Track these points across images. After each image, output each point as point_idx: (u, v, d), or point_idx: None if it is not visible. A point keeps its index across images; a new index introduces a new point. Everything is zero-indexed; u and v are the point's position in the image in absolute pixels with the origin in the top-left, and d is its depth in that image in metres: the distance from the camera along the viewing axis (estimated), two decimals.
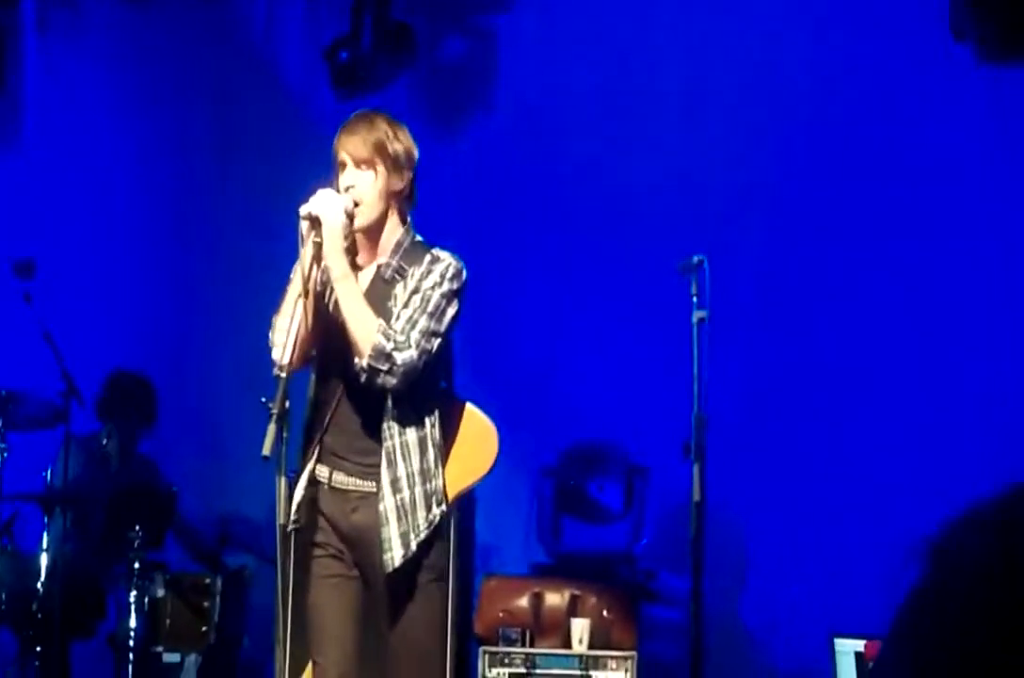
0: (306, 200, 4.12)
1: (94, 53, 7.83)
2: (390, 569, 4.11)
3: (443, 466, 4.20)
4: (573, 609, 6.09)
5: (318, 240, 4.08)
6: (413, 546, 4.12)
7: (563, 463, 6.78)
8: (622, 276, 6.86)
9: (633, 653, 5.94)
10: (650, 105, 6.98)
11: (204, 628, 6.34)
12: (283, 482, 4.07)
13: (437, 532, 4.17)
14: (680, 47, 6.96)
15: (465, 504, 4.79)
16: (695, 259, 4.95)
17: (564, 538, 6.80)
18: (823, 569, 6.52)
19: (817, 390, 6.63)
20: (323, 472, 4.18)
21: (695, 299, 4.95)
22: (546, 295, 7.04)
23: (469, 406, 4.34)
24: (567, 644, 6.00)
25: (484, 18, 7.38)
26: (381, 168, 4.17)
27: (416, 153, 4.25)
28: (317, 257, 4.09)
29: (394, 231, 4.24)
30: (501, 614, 6.11)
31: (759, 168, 6.82)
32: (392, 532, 4.11)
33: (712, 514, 5.06)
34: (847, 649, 5.68)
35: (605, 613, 6.07)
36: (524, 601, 6.14)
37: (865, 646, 5.55)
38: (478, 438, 4.30)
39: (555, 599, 6.13)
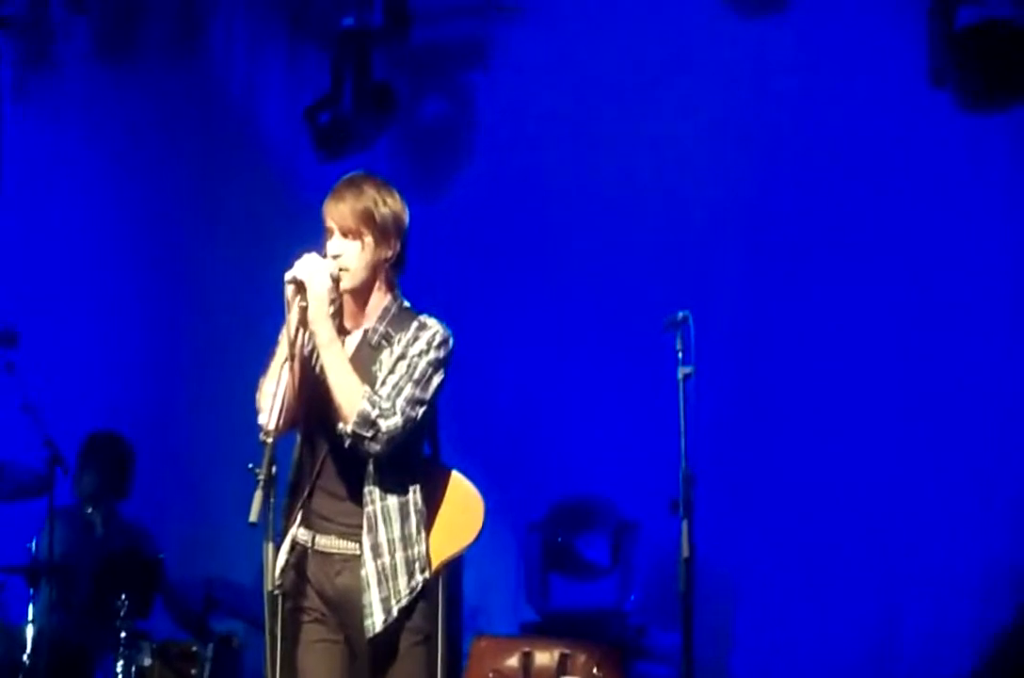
0: (291, 265, 4.11)
1: (72, 117, 7.86)
2: (371, 634, 4.10)
3: (427, 533, 4.18)
4: (563, 668, 6.07)
5: (303, 304, 4.07)
6: (395, 612, 4.10)
7: (550, 519, 6.77)
8: (607, 333, 6.88)
9: None
10: (631, 161, 7.00)
11: None
12: (270, 548, 4.06)
13: (421, 596, 4.15)
14: (659, 101, 6.99)
15: (453, 563, 4.76)
16: (680, 315, 4.96)
17: (553, 595, 6.78)
18: (814, 624, 6.50)
19: (805, 445, 6.62)
20: (306, 536, 4.16)
21: (680, 355, 4.95)
22: (532, 352, 7.04)
23: (455, 474, 4.32)
24: None
25: (463, 76, 7.42)
26: (368, 238, 4.15)
27: (406, 219, 4.22)
28: (303, 321, 4.08)
29: (381, 297, 4.23)
30: (491, 674, 6.08)
31: (742, 221, 6.84)
32: (373, 597, 4.09)
33: (701, 570, 5.04)
34: None
35: (595, 671, 6.04)
36: (514, 661, 6.11)
37: None
38: (463, 506, 4.28)
39: (545, 658, 6.10)
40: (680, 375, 4.91)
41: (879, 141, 6.73)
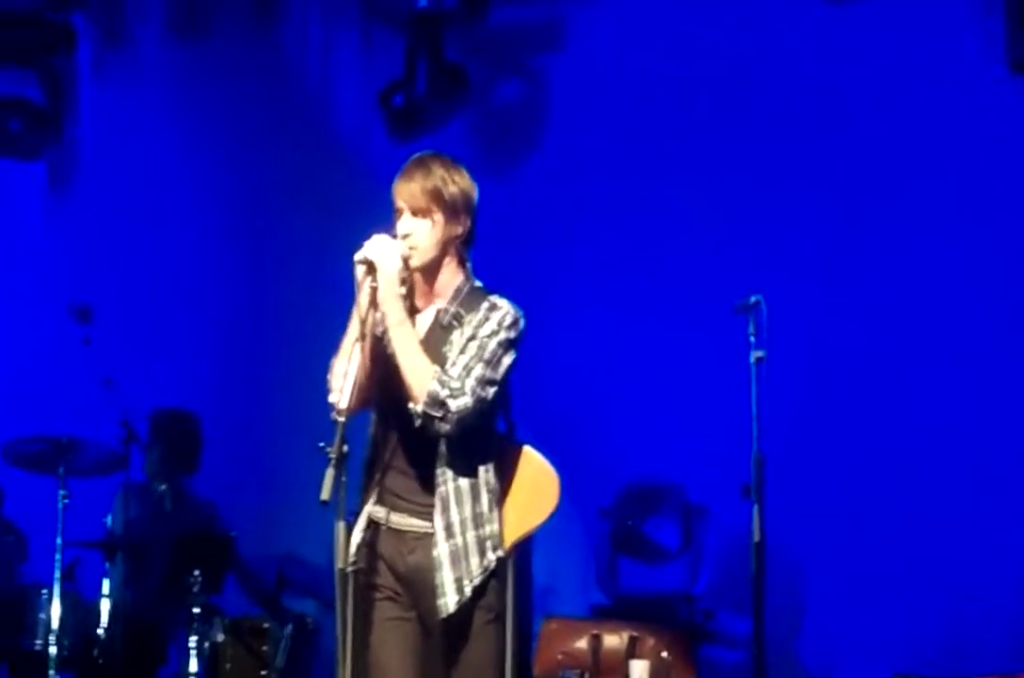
0: (361, 245, 4.13)
1: (149, 96, 7.92)
2: (444, 614, 4.12)
3: (499, 511, 4.19)
4: (632, 651, 6.08)
5: (374, 285, 4.09)
6: (467, 591, 4.11)
7: (620, 503, 6.77)
8: (679, 316, 6.86)
9: None
10: (706, 144, 6.98)
11: (264, 672, 6.35)
12: (342, 526, 4.08)
13: (493, 575, 4.17)
14: (735, 85, 6.95)
15: (523, 546, 4.77)
16: (752, 299, 4.96)
17: (622, 579, 6.78)
18: (884, 609, 6.47)
19: (876, 429, 6.59)
20: (381, 513, 4.18)
21: (752, 339, 4.95)
22: (603, 335, 7.03)
23: (529, 451, 4.32)
24: None
25: (536, 58, 7.42)
26: (438, 216, 4.16)
27: (475, 195, 4.23)
28: (373, 302, 4.10)
29: (453, 276, 4.24)
30: (560, 656, 6.10)
31: (817, 205, 6.80)
32: (446, 577, 4.11)
33: (771, 553, 5.03)
34: None
35: (664, 654, 6.05)
36: (583, 643, 6.13)
37: None
38: (538, 483, 4.28)
39: (614, 641, 6.12)
40: (752, 359, 4.92)
41: (957, 127, 6.67)
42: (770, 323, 4.94)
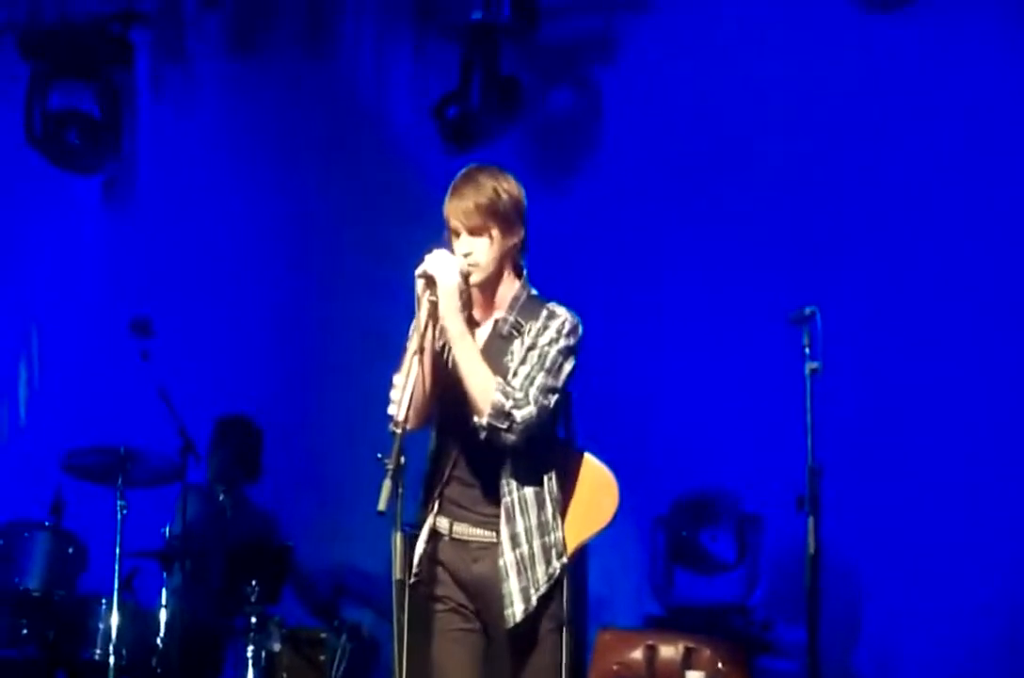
0: (420, 258, 4.15)
1: (205, 111, 7.99)
2: (511, 624, 4.13)
3: (562, 518, 4.21)
4: (687, 662, 6.07)
5: (433, 299, 4.11)
6: (534, 600, 4.13)
7: (675, 513, 6.77)
8: (734, 327, 6.85)
9: None
10: (759, 155, 6.96)
11: None
12: (399, 537, 4.10)
13: (557, 582, 4.18)
14: (789, 97, 6.94)
15: (578, 556, 4.77)
16: (807, 310, 4.96)
17: (677, 589, 6.77)
18: (942, 620, 6.44)
19: (931, 440, 6.56)
20: (443, 523, 4.20)
21: (807, 350, 4.95)
22: (659, 345, 7.04)
23: (588, 457, 4.35)
24: None
25: (590, 70, 7.43)
26: (495, 232, 4.17)
27: (524, 202, 4.23)
28: (433, 316, 4.12)
29: (510, 285, 4.26)
30: (615, 667, 6.10)
31: (872, 216, 6.78)
32: (513, 587, 4.12)
33: (827, 565, 5.02)
34: None
35: (720, 665, 6.04)
36: (638, 654, 6.12)
37: None
38: (598, 489, 4.30)
39: (669, 651, 6.11)
40: (807, 370, 4.91)
41: (1009, 138, 6.64)
42: (825, 334, 4.94)
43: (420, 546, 4.18)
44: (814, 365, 4.91)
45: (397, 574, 4.09)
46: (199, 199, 7.87)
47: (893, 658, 6.58)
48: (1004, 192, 6.66)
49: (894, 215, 6.77)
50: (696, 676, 5.99)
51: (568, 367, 4.20)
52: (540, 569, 4.14)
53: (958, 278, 6.67)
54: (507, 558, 4.13)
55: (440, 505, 4.20)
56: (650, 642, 6.14)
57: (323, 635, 6.48)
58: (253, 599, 6.29)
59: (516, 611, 4.12)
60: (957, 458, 6.53)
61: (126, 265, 7.92)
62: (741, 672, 6.05)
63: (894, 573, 6.55)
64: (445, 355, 4.20)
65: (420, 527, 4.20)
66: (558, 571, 4.17)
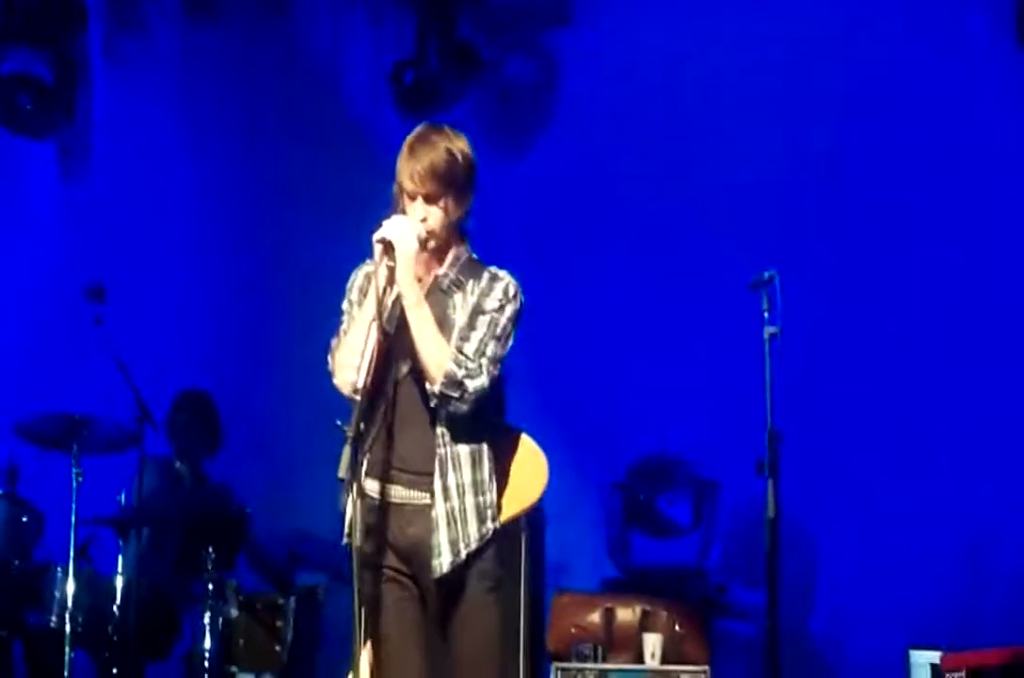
0: (374, 223, 4.13)
1: (161, 78, 7.92)
2: (438, 574, 4.11)
3: (496, 484, 4.21)
4: (645, 624, 6.11)
5: (391, 265, 4.10)
6: (463, 555, 4.11)
7: (632, 478, 6.79)
8: (692, 292, 6.87)
9: (706, 667, 5.96)
10: (714, 120, 6.98)
11: (278, 648, 6.38)
12: (359, 503, 4.09)
13: (491, 542, 4.17)
14: (744, 60, 6.95)
15: (534, 520, 4.80)
16: (766, 275, 4.96)
17: (634, 553, 6.80)
18: (897, 581, 6.50)
19: (890, 404, 6.61)
20: (374, 486, 4.15)
21: (766, 314, 4.95)
22: (616, 311, 7.04)
23: (524, 436, 4.35)
24: (639, 659, 6.02)
25: (546, 35, 7.40)
26: (450, 200, 4.16)
27: (475, 165, 4.23)
28: (390, 280, 4.11)
29: (453, 245, 4.26)
30: (573, 630, 6.13)
31: (831, 180, 6.80)
32: (442, 538, 4.11)
33: (784, 529, 5.05)
34: (923, 661, 5.68)
35: (677, 628, 6.08)
36: (596, 617, 6.15)
37: (940, 658, 5.53)
38: (529, 465, 4.31)
39: (627, 614, 6.14)
40: (766, 334, 4.92)
41: (968, 106, 6.67)
42: (784, 298, 4.95)
43: (351, 511, 4.15)
44: (773, 329, 4.91)
45: (357, 542, 4.08)
46: (154, 165, 7.82)
47: (850, 620, 6.64)
48: (964, 164, 6.69)
49: (854, 179, 6.80)
50: (653, 638, 6.02)
51: (513, 336, 4.19)
52: (473, 526, 4.12)
53: (918, 243, 6.71)
54: (438, 510, 4.11)
55: (369, 466, 4.15)
56: (607, 605, 6.17)
57: (279, 601, 6.47)
58: (209, 566, 6.27)
59: (444, 562, 4.09)
60: (915, 421, 6.59)
61: (80, 231, 7.85)
62: (698, 634, 6.10)
63: (851, 536, 6.60)
64: (385, 319, 4.17)
65: (347, 490, 4.15)
66: (491, 532, 4.15)
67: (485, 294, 4.18)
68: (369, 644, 4.14)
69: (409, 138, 4.20)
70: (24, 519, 6.54)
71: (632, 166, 7.10)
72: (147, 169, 7.81)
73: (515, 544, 4.34)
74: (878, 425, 6.62)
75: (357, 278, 4.28)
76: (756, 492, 5.00)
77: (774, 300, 4.92)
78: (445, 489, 4.11)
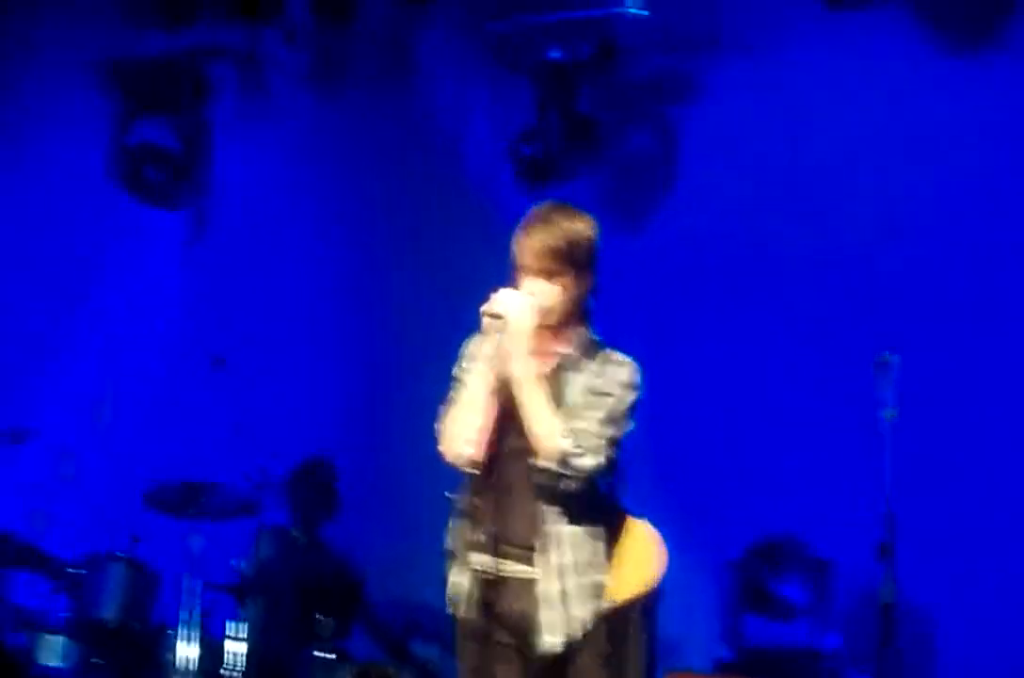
0: (488, 295, 4.14)
1: (285, 146, 8.04)
2: (546, 652, 4.10)
3: (608, 565, 4.17)
4: None
5: (501, 338, 4.10)
6: (576, 635, 4.10)
7: (747, 557, 6.72)
8: (810, 371, 6.79)
9: None
10: (837, 197, 6.91)
11: None
12: (467, 575, 4.10)
13: (605, 621, 4.14)
14: (871, 143, 6.88)
15: (649, 598, 4.73)
16: (885, 356, 4.93)
17: (748, 634, 6.71)
18: (1019, 675, 6.34)
19: (1013, 490, 6.47)
20: (485, 560, 4.15)
21: (884, 396, 4.91)
22: (734, 388, 6.98)
23: (638, 521, 4.32)
24: None
25: (668, 110, 7.41)
26: (566, 278, 4.16)
27: (598, 244, 4.22)
28: (500, 354, 4.11)
29: (574, 324, 4.25)
30: None
31: (952, 263, 6.70)
32: (548, 617, 4.10)
33: (902, 613, 4.97)
34: None
35: None
36: None
37: None
38: (645, 551, 4.28)
39: None
40: (885, 416, 4.88)
41: None
42: (904, 381, 4.90)
43: (465, 584, 4.15)
44: (891, 411, 4.88)
45: (462, 612, 4.09)
46: (278, 234, 7.93)
47: None
48: None
49: (976, 261, 6.69)
50: None
51: (630, 421, 4.18)
52: (581, 606, 4.11)
53: None
54: (545, 588, 4.10)
55: (478, 539, 4.15)
56: None
57: (391, 671, 6.47)
58: (325, 634, 6.29)
59: (553, 641, 4.09)
60: None
61: (203, 297, 7.98)
62: None
63: (971, 623, 6.45)
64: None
65: (459, 563, 4.15)
66: (603, 611, 4.13)
67: (605, 377, 4.17)
68: None
69: (530, 215, 4.21)
70: (143, 583, 6.61)
71: (750, 243, 7.06)
72: (270, 237, 7.93)
73: (627, 623, 4.30)
74: (1000, 511, 6.48)
75: (470, 346, 4.29)
76: (872, 575, 4.94)
77: (892, 382, 4.89)
78: (553, 567, 4.10)
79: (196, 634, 6.30)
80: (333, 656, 6.28)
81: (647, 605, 4.35)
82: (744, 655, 6.65)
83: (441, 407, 4.26)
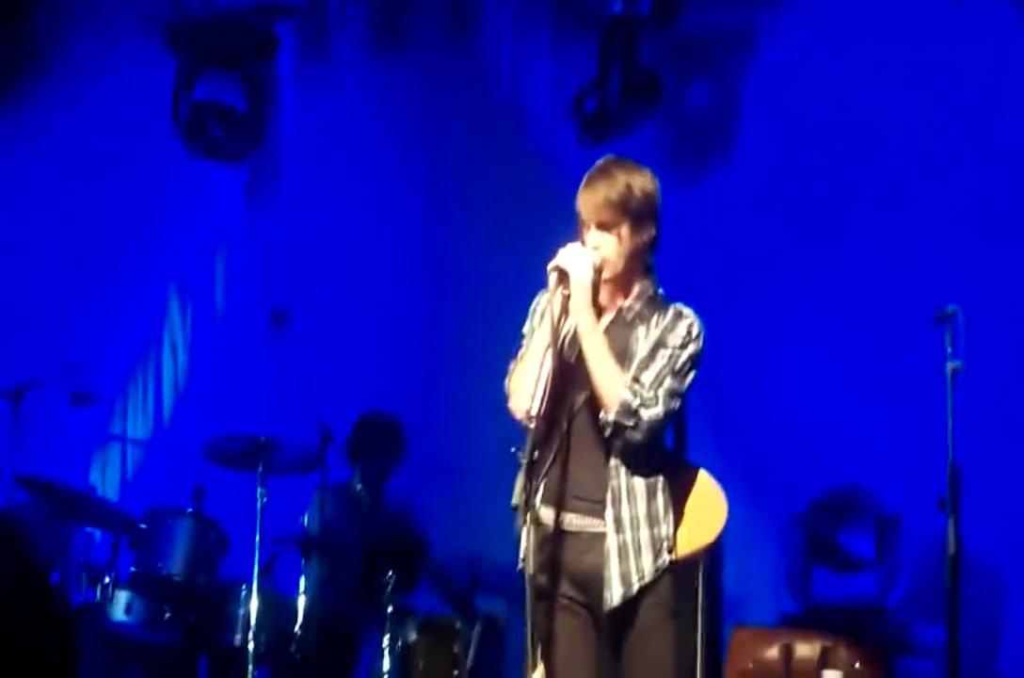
0: (553, 251, 4.15)
1: (347, 103, 8.04)
2: (609, 606, 4.11)
3: (673, 517, 4.17)
4: (824, 661, 6.01)
5: (567, 293, 4.11)
6: (635, 588, 4.11)
7: (813, 511, 6.71)
8: (874, 325, 6.76)
9: None
10: (900, 151, 6.85)
11: (456, 672, 6.41)
12: (533, 531, 4.11)
13: (665, 574, 4.14)
14: (932, 96, 6.81)
15: (713, 553, 4.75)
16: (949, 309, 4.89)
17: (815, 588, 6.71)
18: None
19: None
20: (549, 514, 4.17)
21: (949, 349, 4.88)
22: (798, 343, 6.96)
23: (702, 472, 4.32)
24: None
25: (729, 63, 7.36)
26: (625, 228, 4.17)
27: (659, 199, 4.22)
28: (565, 309, 4.13)
29: (638, 280, 4.26)
30: (751, 665, 6.06)
31: (1014, 215, 6.64)
32: (613, 571, 4.11)
33: (968, 566, 4.95)
34: None
35: (857, 665, 5.98)
36: (774, 652, 6.08)
37: None
38: (707, 504, 4.27)
39: (806, 650, 6.05)
40: (949, 369, 4.84)
41: None
42: (968, 333, 4.86)
43: (525, 538, 4.15)
44: (956, 364, 4.84)
45: (531, 568, 4.10)
46: (340, 191, 7.94)
47: None
48: None
49: None
50: (833, 675, 5.93)
51: (693, 373, 4.19)
52: (647, 559, 4.12)
53: None
54: (610, 541, 4.11)
55: (546, 496, 4.17)
56: (787, 641, 6.09)
57: (458, 625, 6.50)
58: (389, 589, 6.32)
59: (615, 595, 4.10)
60: None
61: (266, 254, 8.01)
62: (879, 673, 5.99)
63: None
64: (566, 348, 4.18)
65: (521, 517, 4.15)
66: (666, 563, 4.14)
67: (669, 330, 4.18)
68: (541, 671, 4.15)
69: (592, 169, 4.23)
70: (210, 538, 6.66)
71: (811, 197, 7.01)
72: (332, 194, 7.95)
73: (692, 577, 4.32)
74: None
75: (540, 302, 4.32)
76: (939, 528, 4.92)
77: (957, 335, 4.84)
78: (618, 520, 4.12)
79: (263, 590, 6.33)
80: (395, 611, 6.29)
81: (712, 558, 4.35)
82: (811, 609, 6.65)
83: (510, 364, 4.27)
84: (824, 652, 6.01)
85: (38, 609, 2.90)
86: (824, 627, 6.29)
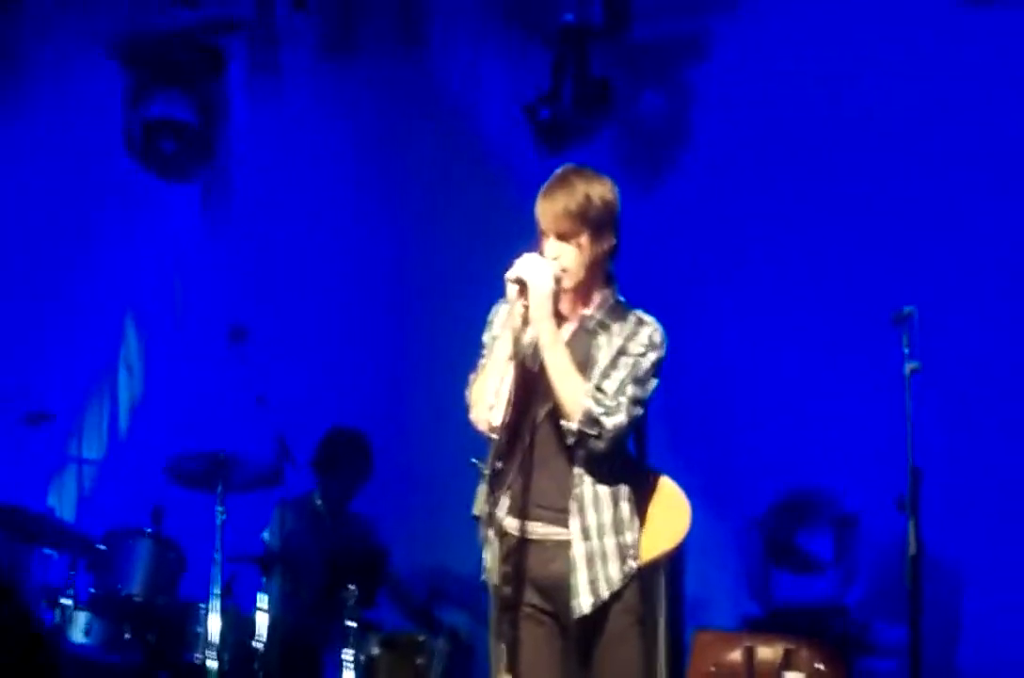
0: (510, 262, 4.16)
1: (298, 115, 8.03)
2: (578, 614, 4.12)
3: (639, 524, 4.19)
4: (786, 663, 6.04)
5: (526, 304, 4.11)
6: (604, 595, 4.12)
7: (771, 513, 6.74)
8: (831, 327, 6.78)
9: None
10: (853, 154, 6.89)
11: None
12: (496, 541, 4.11)
13: (632, 581, 4.16)
14: (883, 98, 6.85)
15: (675, 557, 4.75)
16: (906, 310, 4.92)
17: (775, 590, 6.73)
18: None
19: None
20: (513, 524, 4.17)
21: (907, 350, 4.91)
22: (755, 346, 6.98)
23: (663, 477, 4.34)
24: None
25: (681, 71, 7.40)
26: (584, 238, 4.18)
27: (618, 207, 4.23)
28: (525, 319, 4.13)
29: (598, 287, 4.27)
30: (713, 668, 6.08)
31: (972, 215, 6.68)
32: (580, 578, 4.12)
33: (928, 566, 4.98)
34: None
35: (819, 666, 6.00)
36: (736, 655, 6.09)
37: None
38: (670, 509, 4.29)
39: (768, 653, 6.07)
40: (907, 370, 4.88)
41: None
42: (925, 334, 4.90)
43: (492, 548, 4.16)
44: (913, 365, 4.88)
45: (495, 579, 4.11)
46: (297, 204, 7.93)
47: (996, 660, 6.50)
48: None
49: (997, 212, 6.67)
50: (796, 677, 5.95)
51: (655, 381, 4.20)
52: (613, 566, 4.14)
53: None
54: (576, 550, 4.12)
55: (510, 506, 4.17)
56: (748, 643, 6.11)
57: (421, 638, 6.49)
58: (351, 603, 6.31)
59: (583, 603, 4.11)
60: None
61: (222, 270, 7.99)
62: (840, 673, 6.01)
63: (996, 574, 6.46)
64: (526, 359, 4.18)
65: (484, 528, 4.16)
66: (634, 570, 4.15)
67: (630, 338, 4.20)
68: None
69: (551, 179, 4.24)
70: (170, 557, 6.63)
71: (766, 201, 7.05)
72: (286, 207, 7.93)
73: (655, 581, 4.32)
74: (1020, 460, 6.48)
75: (499, 312, 4.31)
76: (898, 528, 4.95)
77: (914, 335, 4.88)
78: (584, 529, 4.13)
79: (224, 607, 6.30)
80: (358, 626, 6.28)
81: (673, 562, 4.37)
82: (772, 611, 6.67)
83: (470, 375, 4.27)
84: (786, 654, 6.03)
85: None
86: (785, 629, 6.31)
